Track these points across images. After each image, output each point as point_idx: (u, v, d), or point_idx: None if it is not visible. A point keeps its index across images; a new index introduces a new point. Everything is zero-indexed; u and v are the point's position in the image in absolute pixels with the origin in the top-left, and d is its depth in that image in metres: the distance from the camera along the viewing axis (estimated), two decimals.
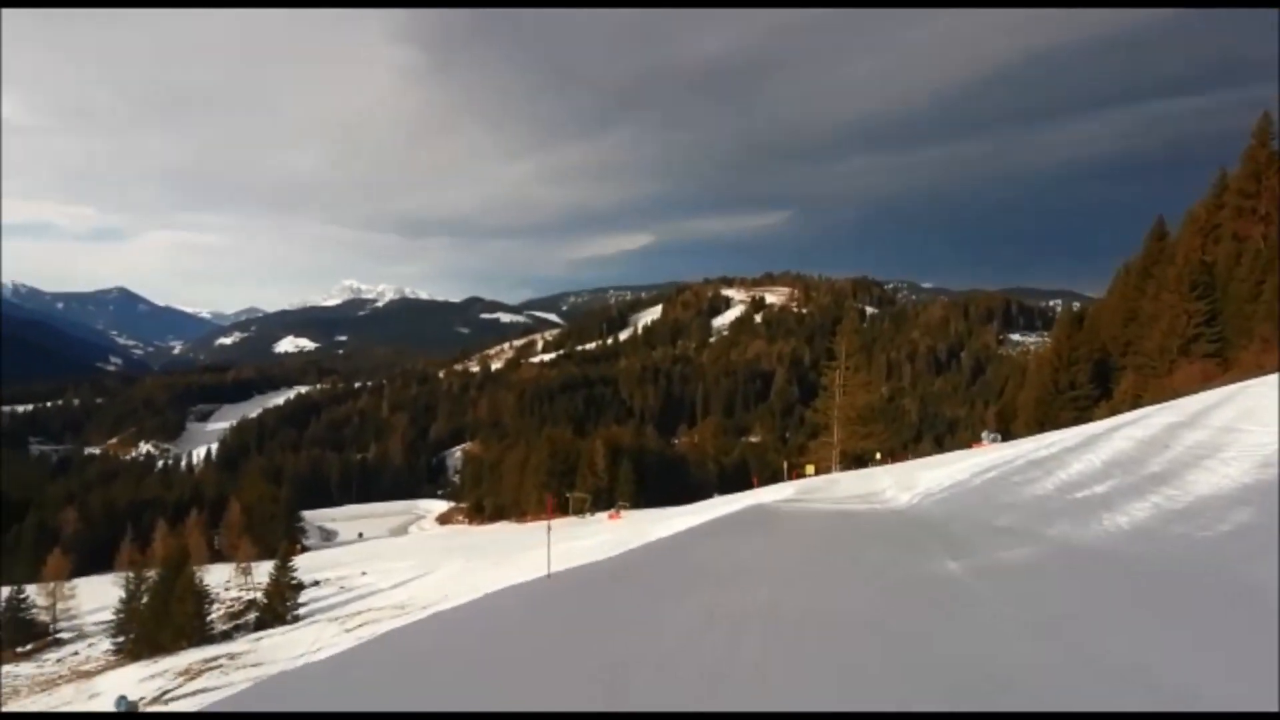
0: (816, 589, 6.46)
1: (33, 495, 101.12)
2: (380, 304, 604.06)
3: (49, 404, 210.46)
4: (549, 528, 19.82)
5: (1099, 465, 10.99)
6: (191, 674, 33.26)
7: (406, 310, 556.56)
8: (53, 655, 49.62)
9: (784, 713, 3.72)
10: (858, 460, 52.96)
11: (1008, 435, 46.65)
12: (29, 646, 52.98)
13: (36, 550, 73.97)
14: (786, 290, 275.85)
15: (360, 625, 35.76)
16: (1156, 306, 44.12)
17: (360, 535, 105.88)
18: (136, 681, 33.70)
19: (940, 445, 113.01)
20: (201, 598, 44.99)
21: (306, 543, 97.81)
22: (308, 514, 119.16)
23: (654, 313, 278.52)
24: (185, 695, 29.30)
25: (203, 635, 43.11)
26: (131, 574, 48.06)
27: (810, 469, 46.81)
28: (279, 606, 45.16)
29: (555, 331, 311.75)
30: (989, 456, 20.30)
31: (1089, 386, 46.86)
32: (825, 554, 8.86)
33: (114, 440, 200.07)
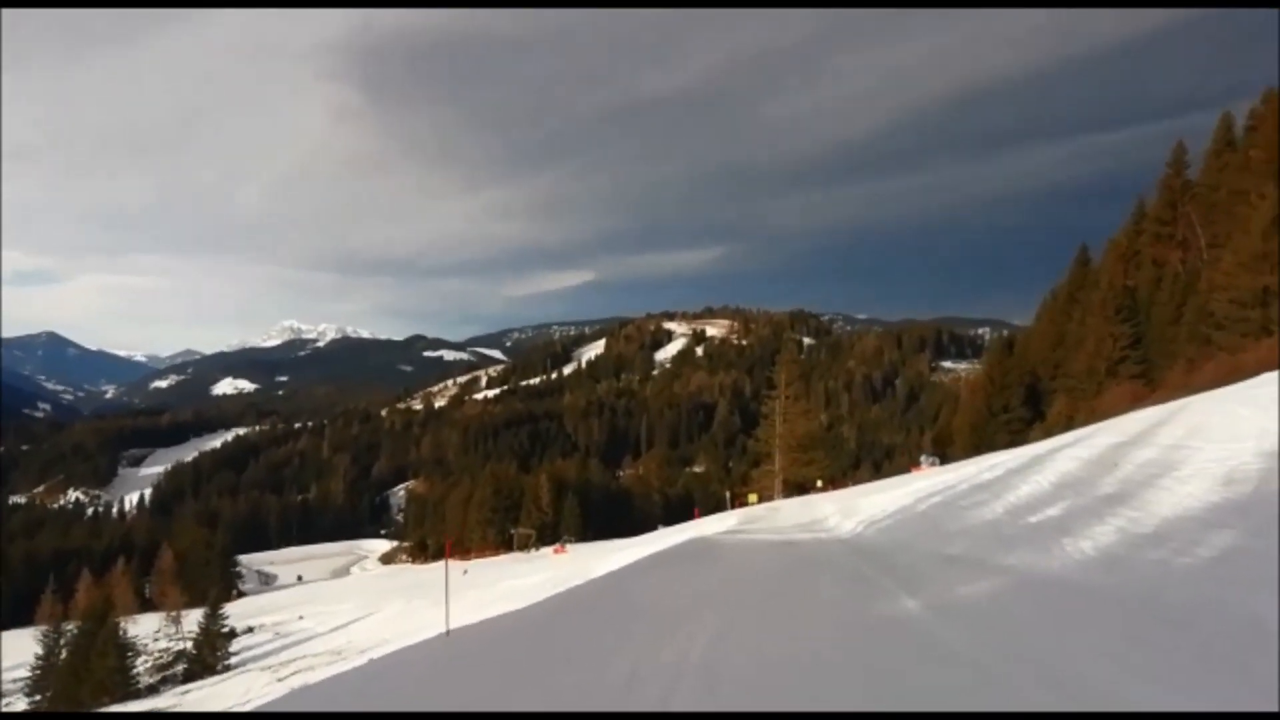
0: (763, 636, 5.83)
1: None
2: (321, 344, 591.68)
3: None
4: (446, 580, 18.43)
5: (1047, 487, 10.74)
6: None
7: (348, 349, 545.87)
8: None
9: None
10: (800, 488, 52.97)
11: (946, 458, 47.10)
12: None
13: None
14: (727, 323, 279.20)
15: (294, 674, 34.16)
16: (1083, 330, 45.21)
17: (300, 578, 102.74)
18: None
19: (879, 470, 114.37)
20: (124, 650, 42.64)
21: (244, 587, 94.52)
22: (247, 558, 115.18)
23: (597, 347, 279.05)
24: None
25: (126, 690, 40.75)
26: (48, 628, 45.29)
27: (753, 498, 46.51)
28: (208, 657, 43.10)
29: (499, 368, 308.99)
30: (931, 481, 20.12)
31: (1022, 409, 47.60)
32: (771, 592, 8.27)
33: (41, 488, 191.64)
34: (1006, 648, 4.70)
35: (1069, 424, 33.55)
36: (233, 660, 43.38)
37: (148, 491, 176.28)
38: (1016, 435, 44.90)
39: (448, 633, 11.43)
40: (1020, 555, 7.31)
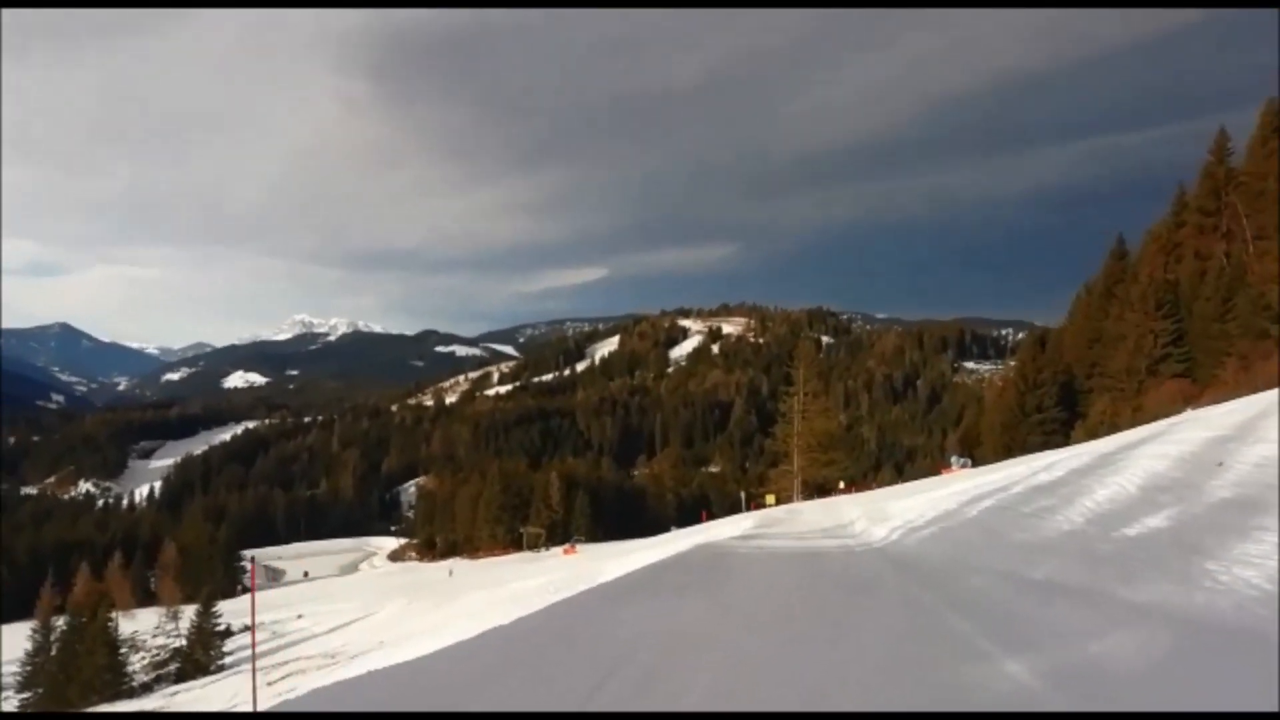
0: (786, 697, 4.00)
1: None
2: (333, 338, 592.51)
3: None
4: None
5: (1133, 491, 8.86)
6: None
7: (359, 344, 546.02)
8: None
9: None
10: (820, 489, 51.21)
11: (975, 460, 45.20)
12: None
13: None
14: (743, 321, 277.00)
15: (284, 677, 32.60)
16: (1121, 326, 43.12)
17: (306, 574, 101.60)
18: None
19: (900, 473, 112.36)
20: (115, 648, 41.18)
21: (248, 583, 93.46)
22: (255, 553, 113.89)
23: (611, 344, 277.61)
24: None
25: (117, 689, 39.31)
26: (37, 623, 43.95)
27: (771, 499, 44.59)
28: (201, 656, 41.58)
29: (511, 364, 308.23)
30: (972, 482, 18.22)
31: (1056, 409, 45.66)
32: (793, 623, 6.52)
33: (52, 479, 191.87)
34: None
35: (1114, 425, 31.57)
36: (226, 660, 41.89)
37: (158, 484, 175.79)
38: (1050, 436, 43.10)
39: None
40: (1149, 586, 5.29)
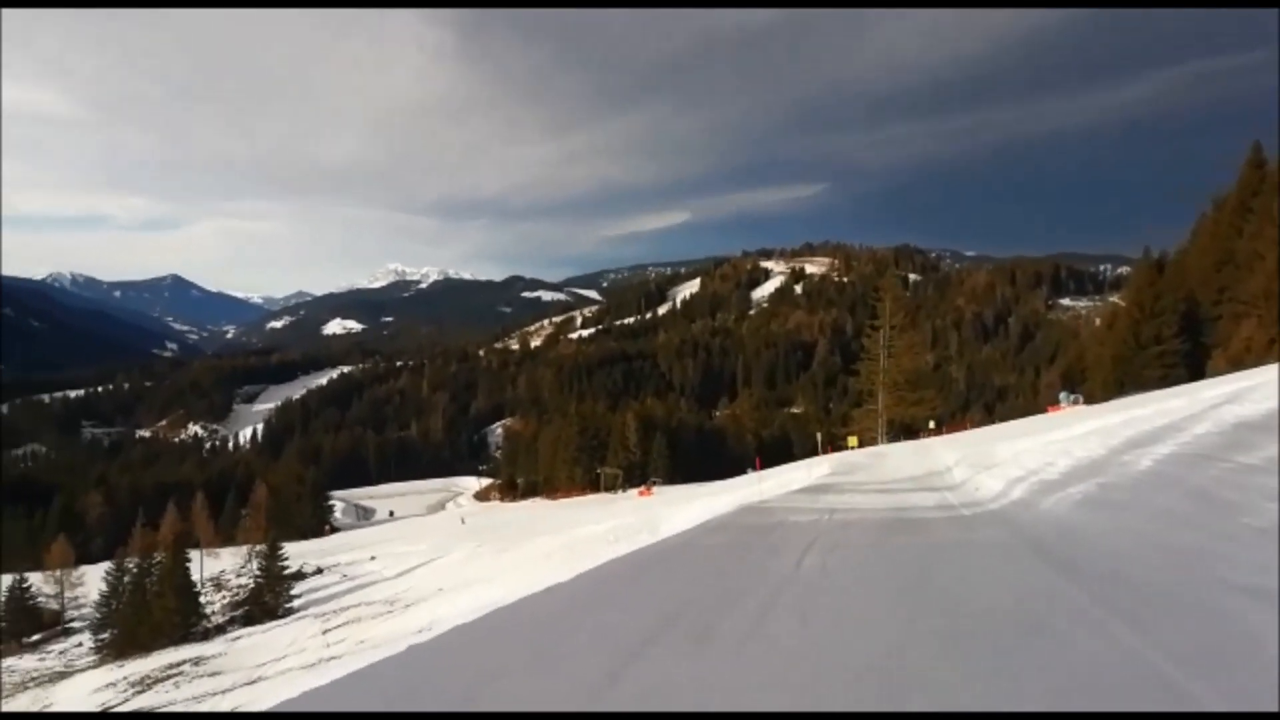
0: None
1: (63, 479, 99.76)
2: (424, 285, 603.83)
3: (99, 389, 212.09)
4: None
5: None
6: (144, 684, 29.25)
7: (450, 291, 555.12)
8: (58, 647, 46.71)
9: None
10: (906, 429, 47.43)
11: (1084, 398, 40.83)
12: (37, 637, 50.26)
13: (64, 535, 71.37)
14: (827, 261, 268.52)
15: (342, 624, 31.63)
16: (1259, 244, 37.47)
17: (391, 514, 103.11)
18: (90, 692, 29.93)
19: (990, 413, 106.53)
20: (188, 589, 41.14)
21: (340, 522, 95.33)
22: (347, 493, 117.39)
23: (692, 286, 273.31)
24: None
25: (186, 631, 39.24)
26: (114, 564, 44.35)
27: (853, 441, 40.89)
28: (270, 599, 41.15)
29: (594, 308, 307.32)
30: (1100, 421, 14.71)
31: (1175, 340, 40.57)
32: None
33: (163, 423, 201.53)
34: None
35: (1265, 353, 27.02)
36: (295, 603, 41.42)
37: (259, 426, 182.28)
38: (1169, 370, 38.40)
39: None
40: None
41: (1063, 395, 40.91)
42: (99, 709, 26.54)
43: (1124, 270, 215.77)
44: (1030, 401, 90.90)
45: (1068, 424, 16.86)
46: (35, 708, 30.17)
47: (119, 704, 26.92)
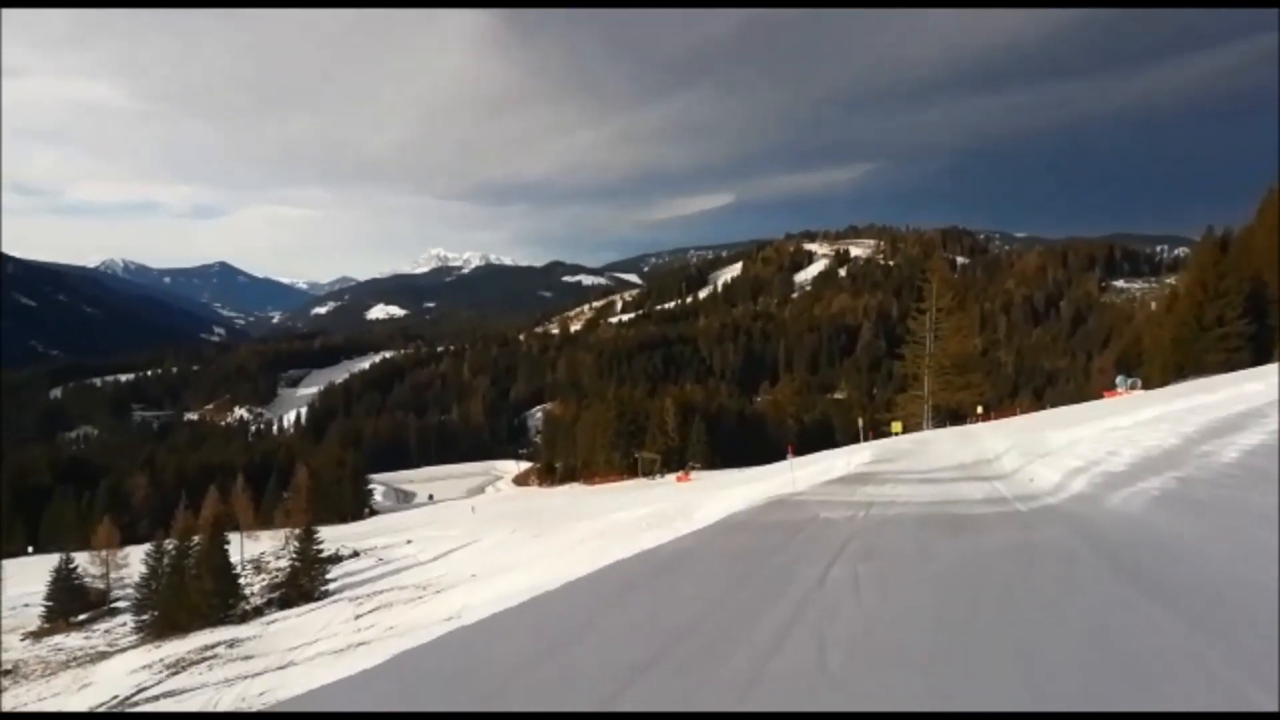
0: None
1: (112, 461, 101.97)
2: (466, 270, 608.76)
3: (149, 373, 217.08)
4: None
5: None
6: (180, 666, 29.34)
7: (491, 276, 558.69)
8: (103, 626, 47.38)
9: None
10: (953, 415, 45.94)
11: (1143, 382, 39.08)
12: (84, 616, 51.11)
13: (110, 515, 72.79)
14: (872, 243, 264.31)
15: (374, 609, 31.44)
16: None
17: (430, 497, 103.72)
18: (127, 673, 30.13)
19: (1040, 399, 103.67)
20: (226, 571, 41.41)
21: (380, 505, 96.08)
22: (388, 476, 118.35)
23: (734, 270, 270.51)
24: (149, 700, 25.15)
25: (224, 613, 39.48)
26: (154, 546, 44.76)
27: (897, 426, 39.63)
28: (305, 582, 41.23)
29: (634, 292, 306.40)
30: (1168, 407, 13.56)
31: (1240, 322, 38.59)
32: None
33: (210, 406, 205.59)
34: None
35: None
36: (330, 586, 41.46)
37: (303, 410, 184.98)
38: (1233, 354, 36.55)
39: None
40: None
41: (1119, 379, 39.16)
42: (134, 690, 26.62)
43: (1182, 251, 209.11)
44: (1083, 386, 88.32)
45: (1124, 411, 15.65)
46: (75, 686, 30.49)
47: (153, 685, 26.99)
